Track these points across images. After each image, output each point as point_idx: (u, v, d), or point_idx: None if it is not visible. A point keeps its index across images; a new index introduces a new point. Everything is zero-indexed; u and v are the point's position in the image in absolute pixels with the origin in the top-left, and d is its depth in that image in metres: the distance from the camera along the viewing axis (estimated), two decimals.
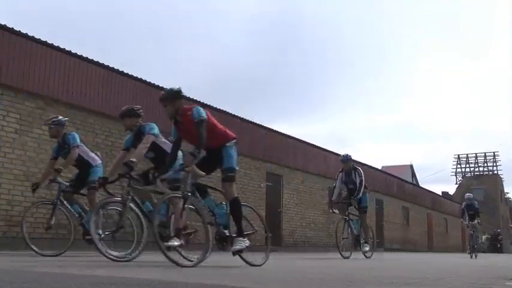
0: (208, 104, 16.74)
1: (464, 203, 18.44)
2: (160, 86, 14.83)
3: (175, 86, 6.46)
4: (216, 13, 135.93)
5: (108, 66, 13.31)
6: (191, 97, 16.02)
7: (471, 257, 16.68)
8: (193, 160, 6.11)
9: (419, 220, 36.02)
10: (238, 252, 6.56)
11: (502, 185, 71.65)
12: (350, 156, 12.16)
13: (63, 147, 8.78)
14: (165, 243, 6.36)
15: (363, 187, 11.74)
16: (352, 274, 5.77)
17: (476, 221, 17.56)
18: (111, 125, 13.24)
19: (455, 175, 72.19)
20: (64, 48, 12.25)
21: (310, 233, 21.88)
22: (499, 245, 42.45)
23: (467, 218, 17.74)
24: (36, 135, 11.43)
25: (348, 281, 4.68)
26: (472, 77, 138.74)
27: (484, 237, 45.66)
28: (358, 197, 11.68)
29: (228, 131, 6.83)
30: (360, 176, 11.74)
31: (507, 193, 78.70)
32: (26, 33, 11.40)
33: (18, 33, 11.27)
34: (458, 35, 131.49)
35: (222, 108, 17.42)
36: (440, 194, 50.02)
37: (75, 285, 3.52)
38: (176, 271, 5.31)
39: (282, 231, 20.05)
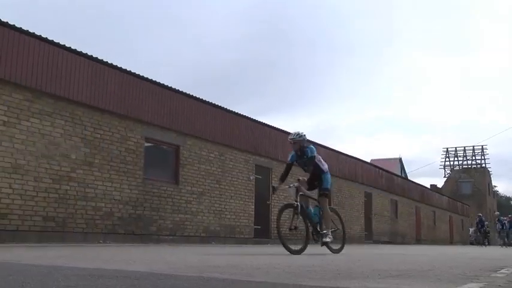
0: (198, 96, 16.73)
1: (291, 155, 9.34)
2: (148, 78, 14.80)
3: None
4: (204, 4, 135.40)
5: (96, 58, 13.24)
6: (179, 89, 16.01)
7: (291, 251, 8.71)
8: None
9: (407, 213, 36.22)
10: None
11: (490, 178, 72.09)
12: None
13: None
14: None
15: None
16: (340, 266, 5.78)
17: (304, 178, 9.28)
18: (100, 118, 13.20)
19: (444, 168, 72.57)
20: (52, 40, 12.16)
21: (299, 225, 21.88)
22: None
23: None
24: (25, 128, 11.37)
25: (335, 273, 4.70)
26: (462, 71, 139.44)
27: (471, 229, 45.92)
28: None
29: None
30: None
31: (495, 186, 79.28)
32: (14, 25, 11.30)
33: (6, 25, 11.17)
34: (449, 30, 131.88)
35: (212, 102, 17.42)
36: (429, 187, 50.29)
37: (62, 277, 3.51)
38: (164, 264, 5.32)
39: (271, 224, 20.09)
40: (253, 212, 18.98)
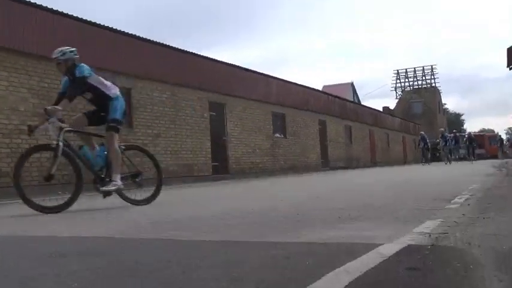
0: (143, 36, 16.39)
1: (63, 81, 7.36)
2: (93, 21, 14.38)
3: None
4: None
5: (41, 5, 12.75)
6: (127, 31, 15.63)
7: (42, 210, 6.37)
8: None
9: (361, 137, 36.84)
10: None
11: (440, 97, 73.57)
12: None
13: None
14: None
15: None
16: (301, 209, 5.83)
17: (54, 108, 7.21)
18: (45, 66, 12.80)
19: (395, 90, 73.50)
20: None
21: (256, 158, 22.13)
22: (438, 154, 43.92)
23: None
24: None
25: (295, 219, 4.75)
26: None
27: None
28: None
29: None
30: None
31: (445, 104, 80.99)
32: None
33: None
34: None
35: (160, 41, 17.13)
36: (381, 109, 51.05)
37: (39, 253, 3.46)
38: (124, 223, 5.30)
39: (229, 159, 20.23)
40: (209, 149, 19.01)
